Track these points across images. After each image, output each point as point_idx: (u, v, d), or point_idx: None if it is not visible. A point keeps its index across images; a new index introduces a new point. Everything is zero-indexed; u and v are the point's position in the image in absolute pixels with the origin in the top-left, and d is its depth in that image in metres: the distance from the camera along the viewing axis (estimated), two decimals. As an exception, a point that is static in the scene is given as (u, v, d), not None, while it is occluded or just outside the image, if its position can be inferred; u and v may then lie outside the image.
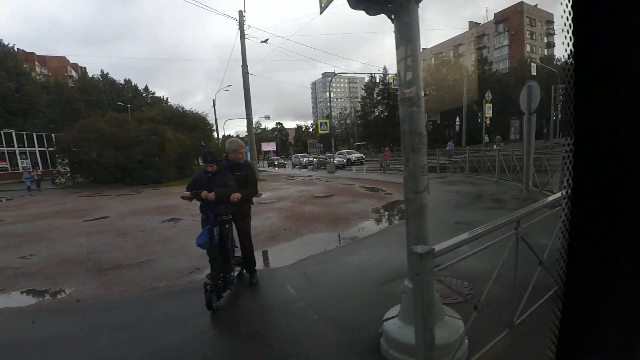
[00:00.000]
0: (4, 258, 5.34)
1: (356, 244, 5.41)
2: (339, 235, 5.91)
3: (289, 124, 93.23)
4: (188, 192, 3.30)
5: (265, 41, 17.19)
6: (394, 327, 2.35)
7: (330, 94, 25.75)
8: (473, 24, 47.87)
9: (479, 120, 25.44)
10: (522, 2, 42.35)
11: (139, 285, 3.95)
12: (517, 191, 8.62)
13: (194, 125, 28.54)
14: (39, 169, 22.56)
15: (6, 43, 31.36)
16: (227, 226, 3.41)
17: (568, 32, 0.68)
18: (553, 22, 44.20)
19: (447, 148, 18.65)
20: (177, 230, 6.64)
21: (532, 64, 25.11)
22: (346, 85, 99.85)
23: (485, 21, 46.92)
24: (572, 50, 0.67)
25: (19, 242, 6.35)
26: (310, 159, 32.75)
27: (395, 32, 2.29)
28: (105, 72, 39.80)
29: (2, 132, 25.40)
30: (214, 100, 35.62)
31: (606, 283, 0.72)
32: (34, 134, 27.68)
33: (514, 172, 10.54)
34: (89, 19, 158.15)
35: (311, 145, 72.50)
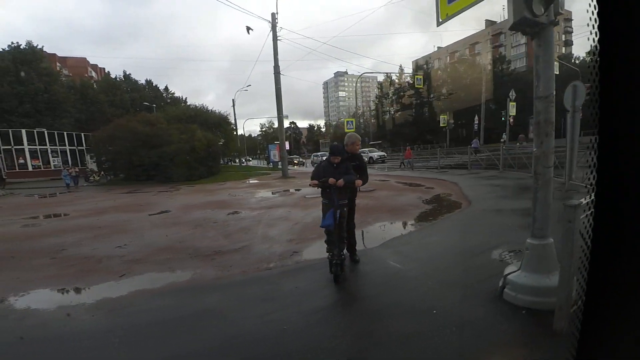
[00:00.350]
0: (101, 247, 5.74)
1: (428, 228, 5.85)
2: (406, 222, 6.33)
3: (300, 124, 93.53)
4: (315, 181, 3.77)
5: (248, 30, 17.70)
6: (521, 277, 2.87)
7: (356, 93, 26.11)
8: (489, 22, 47.68)
9: (503, 118, 25.54)
10: (540, -1, 41.72)
11: (252, 267, 4.35)
12: (557, 184, 8.88)
13: (217, 124, 29.20)
14: (76, 167, 23.25)
15: (35, 44, 32.38)
16: (345, 209, 3.84)
17: (594, 27, 0.65)
18: (571, 19, 43.82)
19: (472, 146, 18.89)
20: (249, 222, 7.07)
21: (555, 62, 25.00)
22: (358, 85, 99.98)
23: (502, 19, 46.67)
24: (598, 46, 0.64)
25: (103, 233, 6.80)
26: (330, 157, 33.08)
27: (535, 46, 2.86)
28: (127, 73, 40.84)
29: (35, 131, 26.35)
30: (233, 100, 36.43)
31: (631, 284, 0.70)
32: (65, 133, 28.64)
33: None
34: (103, 20, 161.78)
35: (323, 144, 72.96)
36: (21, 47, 31.69)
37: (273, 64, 17.79)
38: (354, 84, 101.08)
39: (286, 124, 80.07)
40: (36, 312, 3.49)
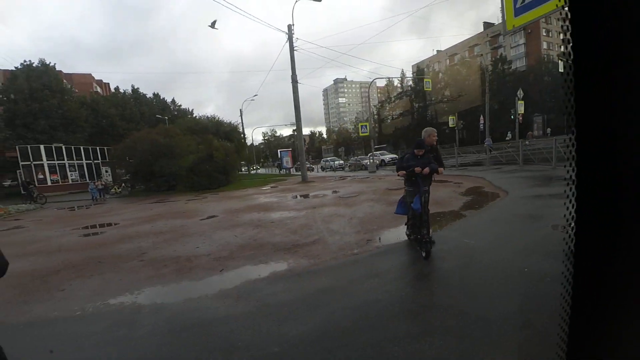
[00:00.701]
0: (180, 249, 6.00)
1: (480, 213, 6.53)
2: (456, 211, 6.89)
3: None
4: (403, 171, 4.32)
5: (213, 24, 18.42)
6: None
7: (369, 97, 26.77)
8: (487, 25, 48.94)
9: (512, 117, 26.22)
10: (537, 0, 43.09)
11: (339, 254, 4.83)
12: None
13: (228, 134, 29.78)
14: (102, 180, 23.46)
15: (47, 62, 33.06)
16: (427, 194, 4.38)
17: (565, 22, 0.63)
18: (569, 18, 44.84)
19: (485, 144, 19.47)
20: (304, 220, 7.52)
21: (560, 61, 25.83)
22: (357, 91, 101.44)
23: (500, 21, 47.95)
24: (570, 39, 0.62)
25: (171, 238, 7.03)
26: (340, 162, 33.77)
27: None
28: (136, 87, 41.58)
29: (53, 146, 26.88)
30: (241, 110, 37.18)
31: (613, 281, 0.69)
32: (81, 148, 29.20)
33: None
34: (104, 37, 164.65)
35: (325, 150, 73.79)
36: (34, 65, 32.36)
37: (290, 74, 18.44)
38: (354, 90, 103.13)
39: (289, 132, 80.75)
40: (165, 305, 3.70)
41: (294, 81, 18.45)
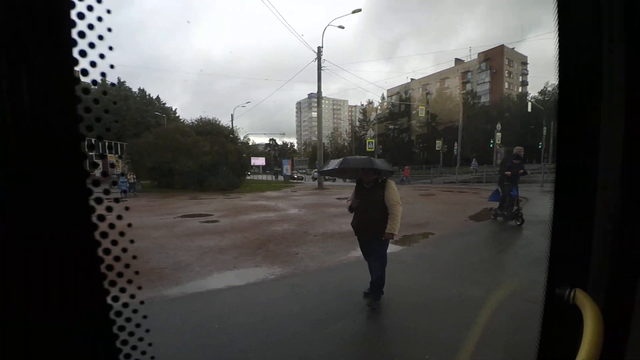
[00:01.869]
0: (330, 228, 7.45)
1: (526, 207, 8.94)
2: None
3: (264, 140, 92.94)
4: (508, 172, 6.80)
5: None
6: None
7: (382, 108, 29.29)
8: (459, 61, 55.79)
9: (491, 145, 30.54)
10: (502, 45, 51.16)
11: (458, 227, 7.18)
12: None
13: (228, 138, 30.73)
14: (132, 174, 21.82)
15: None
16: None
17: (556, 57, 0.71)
18: (527, 63, 53.41)
19: (471, 167, 23.02)
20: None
21: (529, 102, 31.10)
22: (330, 108, 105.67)
23: (469, 59, 55.10)
24: (558, 73, 0.71)
25: (300, 223, 8.10)
26: (334, 173, 35.84)
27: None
28: (122, 80, 40.56)
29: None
30: (232, 115, 38.23)
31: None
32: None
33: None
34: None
35: (298, 162, 75.60)
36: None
37: (317, 91, 20.65)
38: (327, 107, 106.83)
39: (265, 140, 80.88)
40: (403, 252, 5.59)
41: (319, 97, 20.66)
